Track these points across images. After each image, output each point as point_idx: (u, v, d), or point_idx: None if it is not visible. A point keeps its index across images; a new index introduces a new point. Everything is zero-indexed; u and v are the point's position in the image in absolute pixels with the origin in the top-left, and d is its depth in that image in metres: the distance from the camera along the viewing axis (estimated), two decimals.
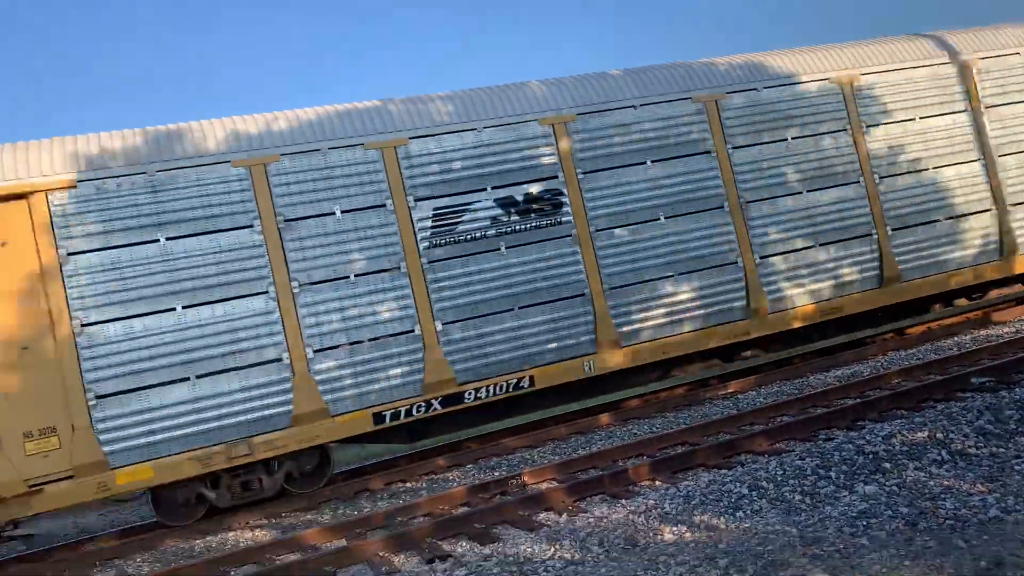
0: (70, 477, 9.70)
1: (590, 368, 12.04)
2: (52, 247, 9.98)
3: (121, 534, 10.78)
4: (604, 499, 8.76)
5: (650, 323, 12.46)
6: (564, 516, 8.39)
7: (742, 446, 9.36)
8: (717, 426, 10.63)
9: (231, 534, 9.93)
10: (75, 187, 10.14)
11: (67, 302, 9.93)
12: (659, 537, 7.46)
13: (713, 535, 7.20)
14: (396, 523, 8.98)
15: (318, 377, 10.78)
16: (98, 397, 9.88)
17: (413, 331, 11.28)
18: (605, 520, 8.08)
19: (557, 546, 7.73)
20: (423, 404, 11.19)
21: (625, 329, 12.30)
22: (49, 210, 10.01)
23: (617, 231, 12.37)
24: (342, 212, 11.17)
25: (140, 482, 10.01)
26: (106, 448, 9.85)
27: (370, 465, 12.68)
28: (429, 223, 11.49)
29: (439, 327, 11.40)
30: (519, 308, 11.80)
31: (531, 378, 11.73)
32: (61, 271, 9.96)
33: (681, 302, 12.57)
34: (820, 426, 9.59)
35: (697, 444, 9.99)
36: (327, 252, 11.04)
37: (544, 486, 9.51)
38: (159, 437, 10.09)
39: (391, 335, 11.18)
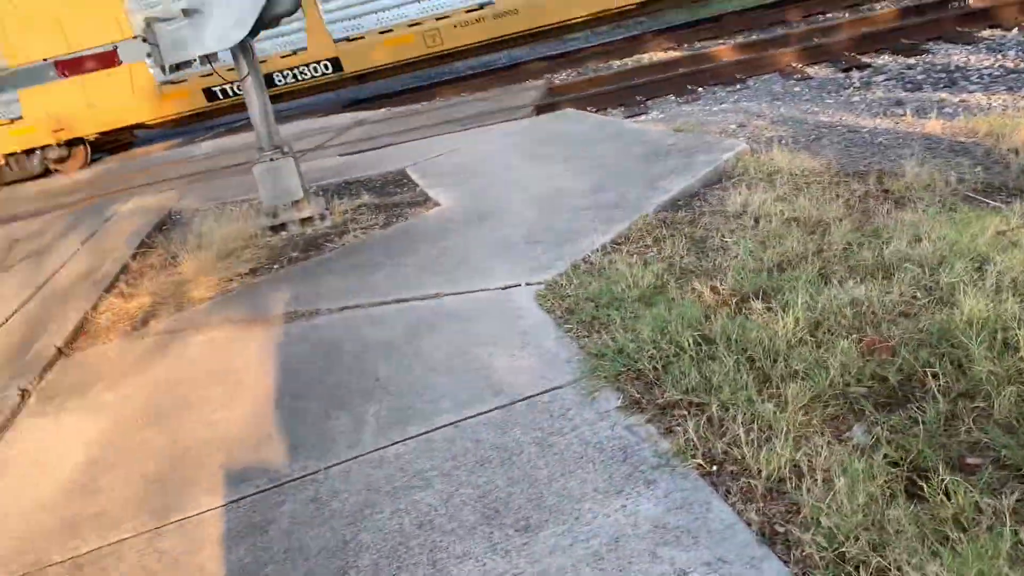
0: None
1: None
2: None
3: (551, 58, 11.98)
4: None
5: None
6: (1014, 31, 7.46)
7: None
8: None
9: (645, 56, 10.55)
10: None
11: None
12: None
13: None
14: (812, 42, 8.72)
15: None
16: None
17: None
18: None
19: (998, 56, 7.02)
20: None
21: None
22: None
23: None
24: None
25: None
26: None
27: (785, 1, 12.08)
28: None
29: None
30: None
31: None
32: None
33: None
34: None
35: None
36: None
37: (992, 3, 8.36)
38: None
39: None
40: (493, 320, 3.27)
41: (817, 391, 2.33)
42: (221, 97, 11.17)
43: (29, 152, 11.54)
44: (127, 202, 7.36)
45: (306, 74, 11.01)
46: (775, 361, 2.50)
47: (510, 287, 3.55)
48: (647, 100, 8.14)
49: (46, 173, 11.67)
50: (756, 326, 2.68)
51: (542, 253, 3.87)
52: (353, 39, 10.83)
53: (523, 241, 4.10)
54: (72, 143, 11.50)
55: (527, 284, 3.53)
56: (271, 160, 5.48)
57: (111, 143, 12.43)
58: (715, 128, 5.87)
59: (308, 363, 3.30)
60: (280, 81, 11.02)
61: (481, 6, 10.58)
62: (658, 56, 10.34)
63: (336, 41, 10.82)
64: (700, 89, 8.06)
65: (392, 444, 2.58)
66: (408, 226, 4.93)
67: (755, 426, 2.22)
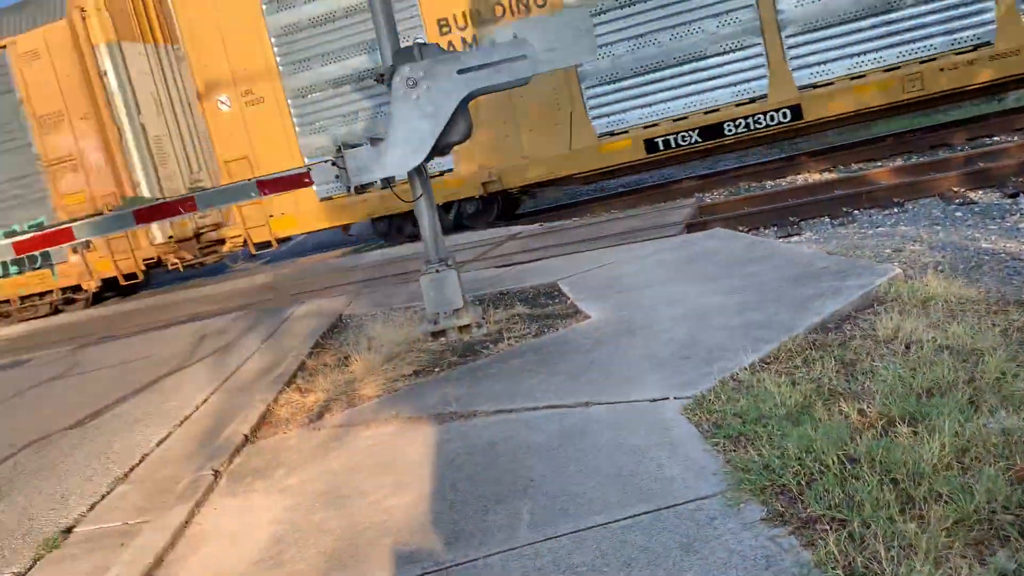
0: None
1: None
2: None
3: (702, 177, 12.37)
4: None
5: None
6: None
7: None
8: None
9: (799, 177, 10.73)
10: None
11: None
12: None
13: None
14: (976, 166, 8.66)
15: None
16: None
17: None
18: None
19: None
20: None
21: None
22: None
23: None
24: None
25: None
26: None
27: (950, 123, 12.00)
28: None
29: None
30: None
31: None
32: None
33: None
34: None
35: None
36: None
37: None
38: None
39: None
40: (642, 430, 3.51)
41: (961, 515, 2.42)
42: (662, 148, 10.76)
43: (447, 206, 11.43)
44: (302, 305, 8.14)
45: (760, 123, 10.41)
46: (919, 483, 2.61)
47: (658, 400, 3.79)
48: (800, 221, 8.30)
49: (456, 229, 11.51)
50: (901, 448, 2.79)
51: (690, 368, 4.09)
52: (819, 85, 10.23)
53: (672, 356, 4.34)
54: (487, 200, 11.47)
55: (675, 398, 3.76)
56: (436, 271, 6.01)
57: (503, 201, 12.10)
58: (869, 252, 5.96)
59: (467, 460, 3.64)
60: (729, 131, 10.55)
61: (976, 47, 9.68)
62: (812, 178, 10.51)
63: (800, 88, 10.25)
64: (855, 212, 8.15)
65: (546, 539, 2.83)
66: (559, 336, 5.28)
67: (896, 543, 2.34)
